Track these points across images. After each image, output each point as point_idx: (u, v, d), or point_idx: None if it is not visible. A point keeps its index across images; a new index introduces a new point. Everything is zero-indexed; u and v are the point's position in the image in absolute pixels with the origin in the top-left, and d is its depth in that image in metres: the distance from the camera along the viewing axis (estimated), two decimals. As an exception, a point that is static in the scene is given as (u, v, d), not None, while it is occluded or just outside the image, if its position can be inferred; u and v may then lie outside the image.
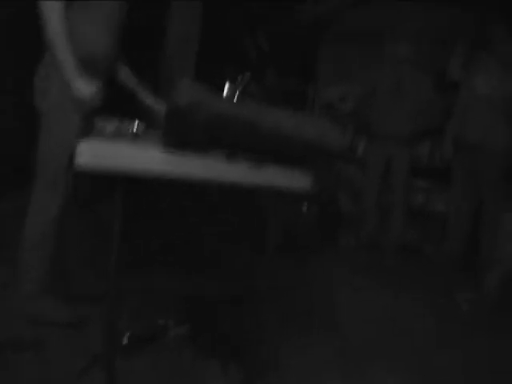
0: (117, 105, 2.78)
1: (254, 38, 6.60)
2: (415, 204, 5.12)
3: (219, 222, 3.72)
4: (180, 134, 1.71)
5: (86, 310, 2.40)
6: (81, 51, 2.23)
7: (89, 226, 2.76)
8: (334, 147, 1.83)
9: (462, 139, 4.05)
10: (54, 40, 2.12)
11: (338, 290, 3.54)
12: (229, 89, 2.60)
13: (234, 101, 2.52)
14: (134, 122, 2.43)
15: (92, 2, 2.27)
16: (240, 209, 3.49)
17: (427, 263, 4.63)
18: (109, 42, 2.40)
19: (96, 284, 2.52)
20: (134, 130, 2.39)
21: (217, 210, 3.65)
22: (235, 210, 3.57)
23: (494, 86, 3.87)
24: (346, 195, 5.45)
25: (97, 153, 1.78)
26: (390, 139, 4.51)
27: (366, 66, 5.02)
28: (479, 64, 4.09)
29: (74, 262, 2.66)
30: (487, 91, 3.90)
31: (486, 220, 3.92)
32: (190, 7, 6.43)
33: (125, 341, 2.23)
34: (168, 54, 6.43)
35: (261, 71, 6.59)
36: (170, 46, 6.44)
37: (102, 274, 2.21)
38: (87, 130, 2.22)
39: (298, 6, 6.03)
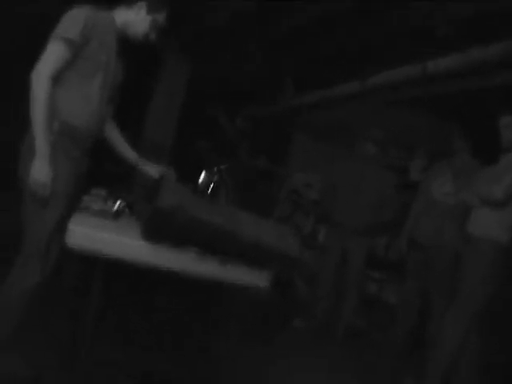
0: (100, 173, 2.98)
1: (232, 117, 6.90)
2: (368, 293, 5.34)
3: (185, 308, 3.95)
4: (160, 231, 1.96)
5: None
6: (66, 126, 2.30)
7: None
8: (290, 254, 2.10)
9: (415, 239, 4.32)
10: (37, 118, 2.15)
11: (290, 372, 3.62)
12: (204, 177, 2.85)
13: (209, 189, 2.76)
14: (117, 201, 2.66)
15: (77, 78, 2.34)
16: (206, 297, 3.64)
17: (375, 349, 4.72)
18: (96, 118, 2.47)
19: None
20: (116, 208, 2.62)
21: (184, 297, 3.82)
22: (202, 298, 3.72)
23: (448, 192, 4.12)
24: (302, 279, 5.64)
25: (81, 235, 2.01)
26: (348, 229, 4.67)
27: (334, 158, 5.31)
28: (437, 170, 4.39)
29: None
30: (441, 197, 4.17)
31: (432, 313, 4.12)
32: (177, 76, 6.73)
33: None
34: (152, 115, 6.68)
35: (235, 149, 6.85)
36: (154, 107, 6.70)
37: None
38: (72, 208, 2.42)
39: (276, 97, 6.36)
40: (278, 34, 5.16)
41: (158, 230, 1.95)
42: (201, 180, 2.84)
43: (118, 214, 2.60)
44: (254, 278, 2.22)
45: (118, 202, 2.65)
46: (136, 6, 2.53)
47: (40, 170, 2.17)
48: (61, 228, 2.25)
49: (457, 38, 3.81)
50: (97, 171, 2.79)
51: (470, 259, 3.55)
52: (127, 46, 2.60)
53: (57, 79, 2.24)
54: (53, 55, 2.22)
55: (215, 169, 2.92)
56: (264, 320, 4.54)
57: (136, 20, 2.54)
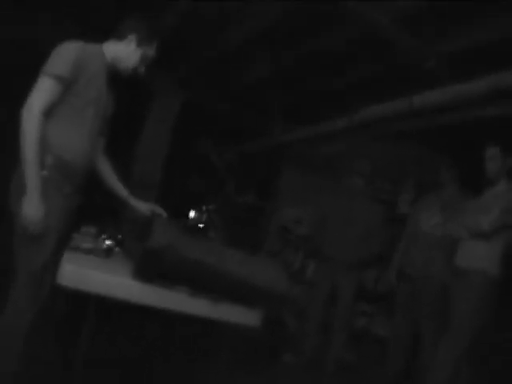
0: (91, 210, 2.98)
1: (219, 150, 6.95)
2: (357, 326, 5.34)
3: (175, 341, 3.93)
4: (152, 270, 1.97)
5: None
6: (58, 160, 2.29)
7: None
8: (279, 290, 2.11)
9: (403, 271, 4.34)
10: (27, 155, 2.13)
11: None
12: (194, 217, 2.88)
13: (199, 227, 2.78)
14: (107, 239, 2.67)
15: (69, 114, 2.34)
16: (196, 331, 3.64)
17: (366, 383, 4.71)
18: (88, 151, 2.46)
19: None
20: (106, 246, 2.63)
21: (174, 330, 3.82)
22: (192, 332, 3.73)
23: (436, 224, 4.16)
24: (291, 314, 5.63)
25: (72, 274, 2.01)
26: (338, 263, 4.66)
27: (322, 192, 5.35)
28: (424, 203, 4.44)
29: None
30: (429, 229, 4.20)
31: (423, 345, 4.12)
32: (167, 111, 6.77)
33: None
34: (140, 151, 6.69)
35: (223, 184, 6.89)
36: (143, 144, 6.71)
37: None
38: (63, 245, 2.42)
39: (265, 132, 6.44)
40: (266, 71, 5.23)
41: (149, 269, 1.96)
42: (190, 219, 2.87)
43: (108, 252, 2.60)
44: (245, 317, 2.22)
45: (108, 241, 2.66)
46: (126, 39, 2.54)
47: (31, 206, 2.15)
48: (52, 265, 2.25)
49: (442, 72, 3.89)
50: (86, 206, 2.75)
51: (458, 291, 3.57)
52: (117, 78, 2.61)
53: (48, 114, 2.25)
54: (43, 92, 2.22)
55: (204, 208, 2.95)
56: (253, 354, 4.52)
57: (126, 53, 2.55)
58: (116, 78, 2.61)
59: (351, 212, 4.73)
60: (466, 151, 4.30)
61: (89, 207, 3.04)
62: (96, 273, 2.06)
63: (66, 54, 2.29)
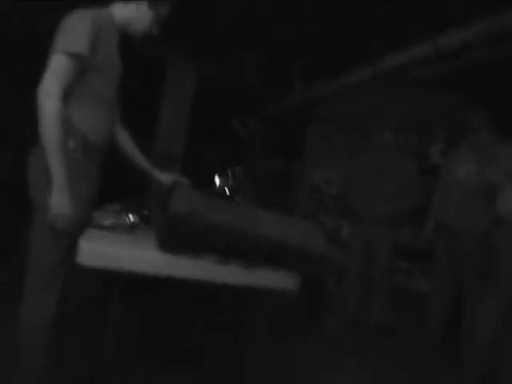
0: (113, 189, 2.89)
1: (243, 119, 6.85)
2: (397, 284, 5.21)
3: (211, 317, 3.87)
4: (176, 239, 1.85)
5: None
6: (82, 142, 2.16)
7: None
8: (317, 251, 1.97)
9: (441, 224, 4.19)
10: (51, 142, 1.98)
11: (322, 370, 3.60)
12: (219, 181, 2.75)
13: (226, 193, 2.66)
14: (130, 214, 2.56)
15: (89, 91, 2.17)
16: (232, 301, 3.60)
17: (408, 343, 4.62)
18: (109, 127, 2.36)
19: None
20: (130, 222, 2.52)
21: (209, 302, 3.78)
22: (227, 302, 3.68)
23: (472, 173, 3.98)
24: (330, 276, 5.54)
25: (95, 252, 1.90)
26: (372, 221, 4.58)
27: (351, 151, 5.21)
28: (458, 151, 4.26)
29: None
30: (465, 178, 4.02)
31: (466, 301, 3.99)
32: (184, 84, 6.68)
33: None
34: (162, 127, 6.63)
35: (249, 151, 6.80)
36: (163, 119, 6.66)
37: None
38: (85, 223, 2.31)
39: (286, 93, 6.27)
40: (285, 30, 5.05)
41: (173, 238, 1.84)
42: (217, 184, 2.75)
43: (132, 227, 2.50)
44: (282, 281, 2.10)
45: (132, 215, 2.55)
46: (135, 1, 2.36)
47: (62, 202, 2.01)
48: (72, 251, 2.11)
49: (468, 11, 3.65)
50: (110, 184, 2.66)
51: (504, 239, 3.40)
52: (127, 45, 2.42)
53: (66, 94, 2.07)
54: (60, 72, 2.02)
55: (229, 172, 2.82)
56: (294, 320, 4.48)
57: (138, 16, 2.36)
58: (126, 43, 2.41)
59: (382, 168, 4.63)
60: (497, 94, 4.09)
61: (113, 185, 2.96)
62: (117, 248, 1.94)
63: (80, 28, 2.07)
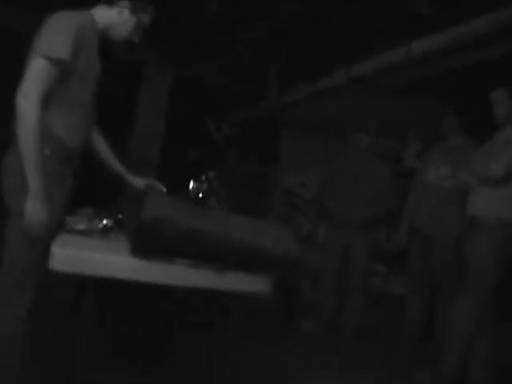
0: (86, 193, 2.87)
1: (218, 122, 6.84)
2: (373, 287, 5.25)
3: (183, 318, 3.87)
4: (147, 244, 1.85)
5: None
6: (58, 148, 2.12)
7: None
8: (289, 255, 1.99)
9: (414, 227, 4.23)
10: (29, 147, 1.94)
11: (297, 371, 3.61)
12: (193, 186, 2.76)
13: (200, 198, 2.66)
14: (104, 219, 2.55)
15: (68, 96, 2.12)
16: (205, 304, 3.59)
17: (386, 344, 4.66)
18: (85, 133, 2.31)
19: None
20: (103, 226, 2.51)
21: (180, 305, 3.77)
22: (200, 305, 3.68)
23: (445, 175, 4.02)
24: (305, 279, 5.55)
25: (67, 257, 1.89)
26: (348, 224, 4.59)
27: (327, 154, 5.24)
28: (431, 154, 4.29)
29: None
30: (438, 181, 4.06)
31: (439, 305, 4.03)
32: (159, 87, 6.67)
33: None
34: (137, 130, 6.61)
35: (224, 155, 6.79)
36: (139, 122, 6.63)
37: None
38: (57, 228, 2.29)
39: (261, 97, 6.29)
40: (260, 33, 5.06)
41: (145, 243, 1.85)
42: (190, 189, 2.76)
43: (105, 232, 2.49)
44: (254, 285, 2.11)
45: (106, 220, 2.55)
46: (118, 4, 2.31)
47: (37, 210, 1.97)
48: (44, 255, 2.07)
49: (440, 17, 3.71)
50: (84, 189, 2.65)
51: (476, 241, 3.44)
52: (106, 49, 2.39)
53: (46, 99, 2.01)
54: (40, 77, 1.97)
55: (203, 177, 2.84)
56: (270, 324, 4.49)
57: (119, 21, 2.33)
58: (105, 47, 2.38)
59: (358, 171, 4.67)
60: (470, 97, 4.15)
61: (87, 190, 2.94)
62: (89, 253, 1.94)
63: (64, 32, 2.03)
